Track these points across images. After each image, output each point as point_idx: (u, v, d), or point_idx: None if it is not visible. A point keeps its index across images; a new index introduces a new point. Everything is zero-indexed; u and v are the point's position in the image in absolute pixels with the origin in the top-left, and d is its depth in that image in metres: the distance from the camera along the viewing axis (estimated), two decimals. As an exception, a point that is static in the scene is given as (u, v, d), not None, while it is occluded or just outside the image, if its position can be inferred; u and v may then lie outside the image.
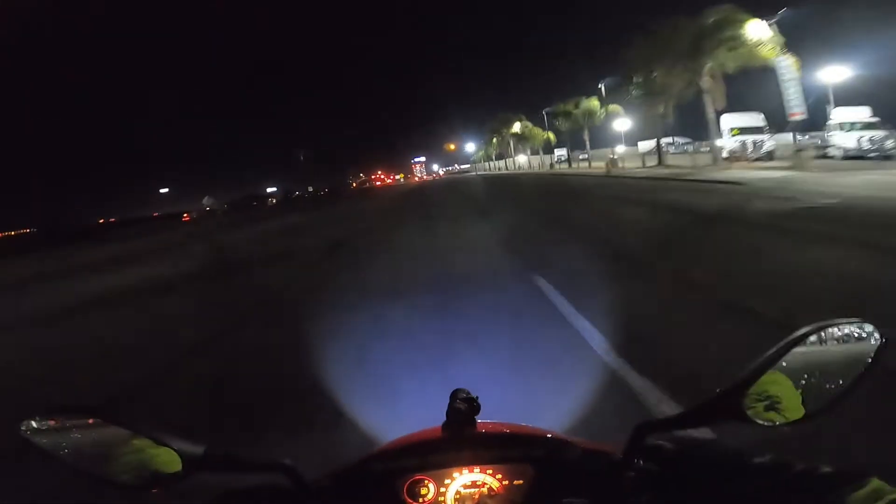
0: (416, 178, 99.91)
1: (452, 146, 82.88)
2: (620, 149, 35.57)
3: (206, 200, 71.17)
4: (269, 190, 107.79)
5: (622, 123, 28.16)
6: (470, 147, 77.64)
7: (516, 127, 40.92)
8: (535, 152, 42.43)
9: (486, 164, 66.28)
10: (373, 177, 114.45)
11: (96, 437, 0.41)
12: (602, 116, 27.88)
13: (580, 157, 35.86)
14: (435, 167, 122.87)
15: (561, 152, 39.19)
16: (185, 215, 64.10)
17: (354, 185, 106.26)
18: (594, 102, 27.75)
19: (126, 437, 0.40)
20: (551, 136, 34.41)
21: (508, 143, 45.62)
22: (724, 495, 0.38)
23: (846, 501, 0.31)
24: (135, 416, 0.41)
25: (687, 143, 26.48)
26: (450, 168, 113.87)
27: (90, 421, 0.40)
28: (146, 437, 0.40)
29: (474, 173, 64.30)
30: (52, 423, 0.41)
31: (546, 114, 35.03)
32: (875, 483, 0.31)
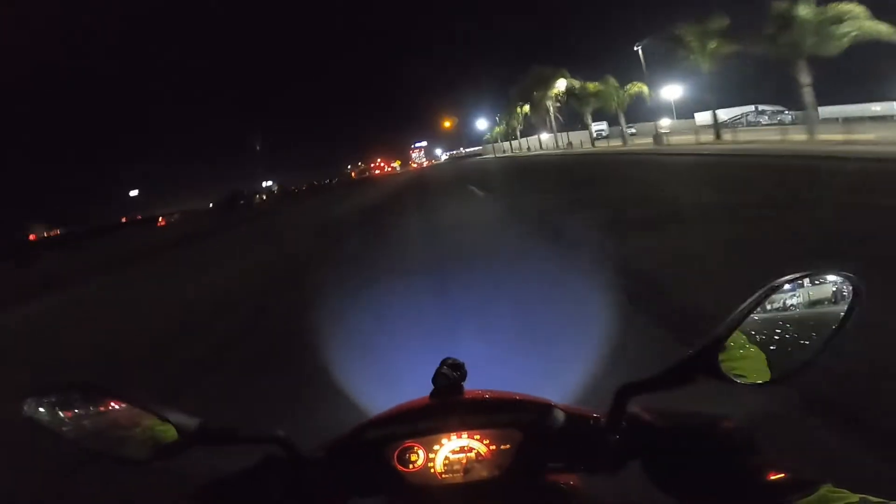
0: (415, 165, 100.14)
1: (448, 123, 77.13)
2: (665, 122, 34.27)
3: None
4: (265, 184, 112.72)
5: (671, 91, 26.73)
6: (481, 124, 71.85)
7: (560, 85, 32.41)
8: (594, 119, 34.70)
9: (503, 144, 60.59)
10: (372, 165, 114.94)
11: (96, 412, 0.48)
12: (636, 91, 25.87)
13: (630, 130, 32.23)
14: (438, 151, 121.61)
15: (600, 126, 36.26)
16: (160, 219, 66.22)
17: (354, 174, 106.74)
18: (590, 85, 26.91)
19: (125, 411, 0.48)
20: (643, 88, 25.85)
21: (547, 111, 35.97)
22: (689, 478, 0.44)
23: None
24: (131, 389, 0.48)
25: (779, 112, 23.49)
26: (454, 152, 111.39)
27: (87, 395, 0.48)
28: (144, 410, 0.47)
29: (491, 156, 58.93)
30: (52, 400, 0.48)
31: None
32: (827, 489, 0.36)
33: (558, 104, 34.81)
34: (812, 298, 0.45)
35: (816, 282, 0.45)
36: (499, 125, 57.82)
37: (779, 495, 0.38)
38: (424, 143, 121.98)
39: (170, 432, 0.47)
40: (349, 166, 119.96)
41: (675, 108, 33.51)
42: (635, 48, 24.63)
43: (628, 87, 26.49)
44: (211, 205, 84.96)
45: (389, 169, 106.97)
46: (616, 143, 29.33)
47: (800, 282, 0.44)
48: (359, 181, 72.69)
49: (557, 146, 39.52)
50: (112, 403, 0.48)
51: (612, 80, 27.09)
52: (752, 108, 25.09)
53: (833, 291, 0.44)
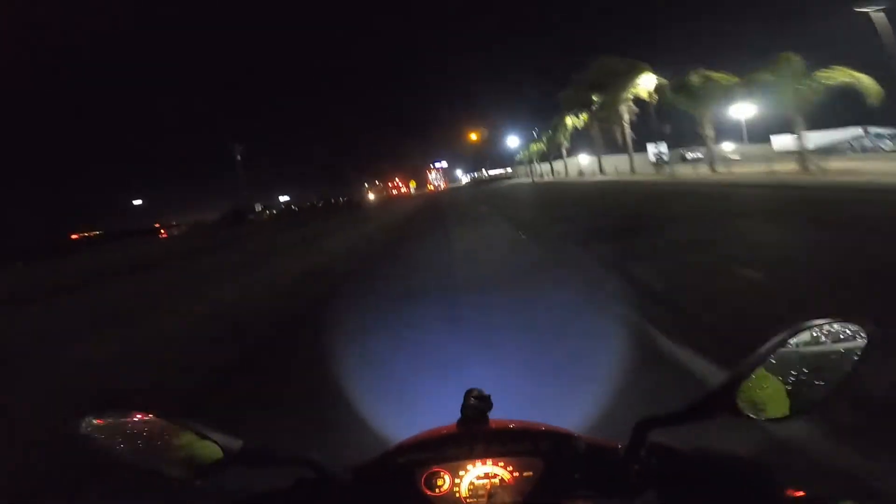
0: (432, 188, 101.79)
1: (475, 135, 65.78)
2: (728, 146, 31.06)
3: None
4: (281, 199, 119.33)
5: (740, 110, 22.91)
6: (512, 142, 64.64)
7: (646, 82, 24.77)
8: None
9: (539, 167, 54.81)
10: (390, 184, 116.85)
11: (147, 432, 0.56)
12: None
13: (687, 155, 29.71)
14: (458, 173, 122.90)
15: (660, 150, 32.25)
16: (161, 231, 67.89)
17: (369, 194, 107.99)
18: (716, 75, 20.27)
19: (173, 430, 0.55)
20: (859, 77, 15.12)
21: (621, 118, 27.72)
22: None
23: None
24: (180, 412, 0.55)
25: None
26: (476, 174, 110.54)
27: (140, 417, 0.56)
28: (191, 431, 0.54)
29: (526, 180, 53.98)
30: (108, 420, 0.56)
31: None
32: None
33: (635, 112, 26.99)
34: (828, 343, 0.52)
35: (833, 328, 0.52)
36: (537, 141, 49.72)
37: None
38: (444, 164, 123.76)
39: (214, 452, 0.54)
40: (366, 184, 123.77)
41: (730, 131, 29.91)
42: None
43: (823, 72, 15.57)
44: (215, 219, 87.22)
45: (405, 190, 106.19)
46: (685, 171, 24.26)
47: (818, 327, 0.52)
48: (371, 205, 70.37)
49: (600, 171, 35.30)
50: (161, 422, 0.56)
51: (794, 59, 16.04)
52: (857, 130, 22.19)
53: (848, 337, 0.52)
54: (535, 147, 51.33)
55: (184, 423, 0.55)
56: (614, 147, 34.82)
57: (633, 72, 25.64)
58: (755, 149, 27.78)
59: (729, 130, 27.53)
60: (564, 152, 44.20)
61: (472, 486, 0.62)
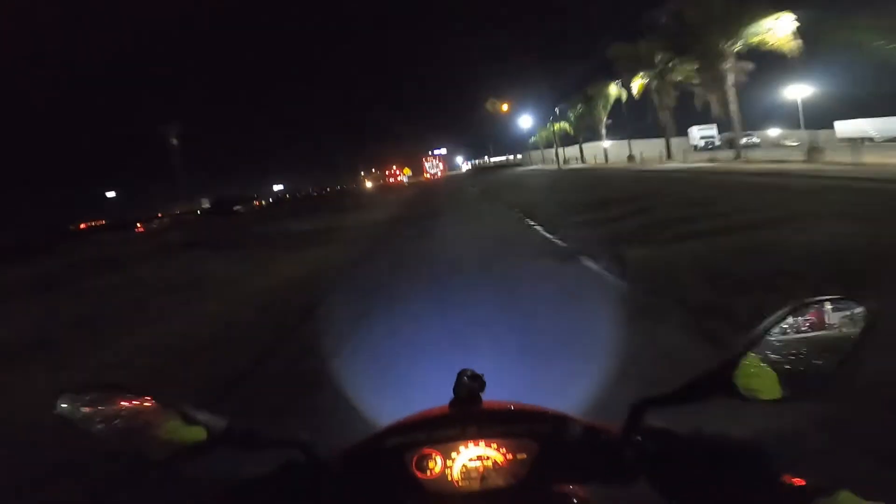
0: (428, 176, 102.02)
1: (505, 106, 50.34)
2: (775, 132, 28.77)
3: None
4: (275, 188, 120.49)
5: (796, 91, 20.78)
6: (525, 122, 58.06)
7: (783, 24, 18.97)
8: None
9: (559, 152, 46.69)
10: (387, 172, 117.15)
11: (126, 412, 0.59)
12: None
13: (743, 140, 23.65)
14: (459, 160, 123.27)
15: (708, 133, 28.67)
16: (138, 225, 68.17)
17: (368, 182, 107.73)
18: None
19: (155, 411, 0.58)
20: None
21: (723, 80, 21.38)
22: (702, 491, 0.54)
23: None
24: (162, 390, 0.57)
25: None
26: (479, 161, 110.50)
27: (120, 396, 0.59)
28: (174, 411, 0.57)
29: (539, 167, 49.08)
30: (85, 398, 0.59)
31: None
32: (845, 495, 0.44)
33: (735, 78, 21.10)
34: (828, 322, 0.54)
35: (833, 306, 0.54)
36: (562, 121, 43.82)
37: (797, 499, 0.47)
38: (444, 151, 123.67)
39: (198, 433, 0.57)
40: (362, 172, 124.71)
41: (783, 114, 27.55)
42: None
43: None
44: (199, 210, 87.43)
45: (395, 181, 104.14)
46: (732, 158, 20.75)
47: (817, 306, 0.54)
48: (366, 193, 68.76)
49: (668, 156, 27.71)
50: (142, 403, 0.59)
51: None
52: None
53: (849, 317, 0.54)
54: (558, 126, 46.05)
55: (166, 403, 0.58)
56: (642, 130, 31.77)
57: (754, 12, 19.46)
58: (808, 135, 23.51)
59: (776, 114, 26.07)
60: (604, 131, 38.86)
61: (464, 469, 0.65)
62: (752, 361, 0.54)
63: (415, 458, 0.66)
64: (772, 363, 0.54)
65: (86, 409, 0.59)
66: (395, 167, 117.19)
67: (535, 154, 65.90)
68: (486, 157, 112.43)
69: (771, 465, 0.51)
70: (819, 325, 0.54)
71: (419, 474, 0.65)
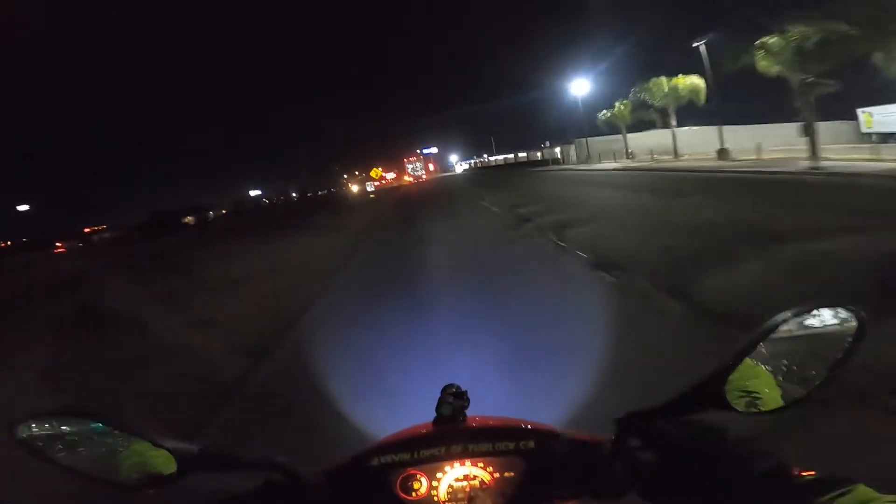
0: (410, 179, 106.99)
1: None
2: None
3: None
4: (251, 193, 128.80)
5: None
6: (580, 88, 46.29)
7: None
8: None
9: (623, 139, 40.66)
10: (377, 175, 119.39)
11: (92, 438, 0.68)
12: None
13: None
14: (453, 159, 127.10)
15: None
16: (58, 245, 68.15)
17: (352, 186, 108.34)
18: None
19: (121, 438, 0.67)
20: None
21: None
22: (708, 494, 0.61)
23: None
24: (129, 416, 0.65)
25: None
26: (478, 161, 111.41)
27: (83, 422, 0.67)
28: (141, 438, 0.66)
29: (611, 165, 37.72)
30: (47, 425, 0.68)
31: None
32: (861, 489, 0.50)
33: None
34: (818, 331, 0.65)
35: (822, 314, 0.65)
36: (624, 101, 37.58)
37: (810, 494, 0.52)
38: (434, 150, 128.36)
39: (167, 463, 0.66)
40: (345, 175, 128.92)
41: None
42: None
43: None
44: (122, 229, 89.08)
45: (376, 184, 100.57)
46: None
47: (808, 313, 0.64)
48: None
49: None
50: (109, 430, 0.67)
51: None
52: None
53: (838, 324, 0.65)
54: (623, 109, 39.00)
55: (131, 428, 0.67)
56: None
57: None
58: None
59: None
60: (672, 118, 33.55)
61: (450, 489, 0.75)
62: (749, 367, 0.64)
63: (399, 479, 0.76)
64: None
65: (47, 436, 0.68)
66: (380, 168, 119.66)
67: (573, 146, 53.54)
68: (484, 156, 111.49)
69: (775, 460, 0.59)
70: (811, 333, 0.64)
71: (404, 496, 0.75)
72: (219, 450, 0.69)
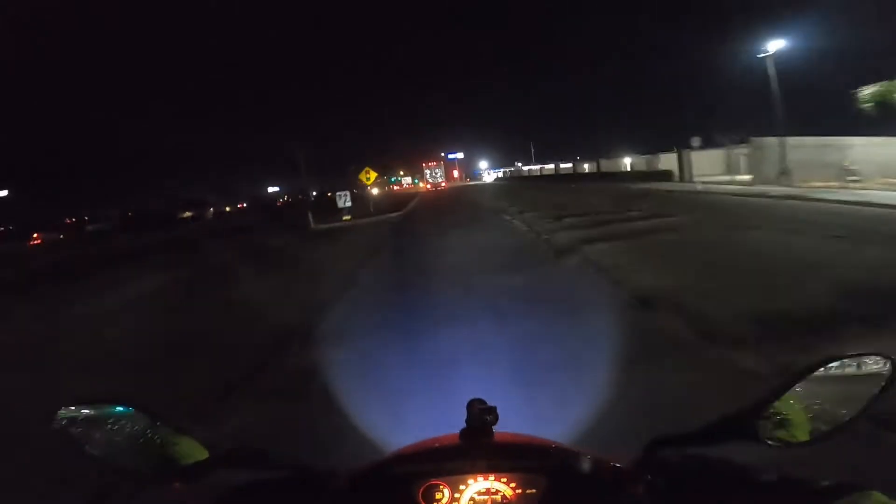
0: (428, 187, 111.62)
1: None
2: None
3: None
4: (270, 189, 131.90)
5: None
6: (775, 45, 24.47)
7: None
8: None
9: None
10: (368, 181, 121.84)
11: (127, 427, 0.77)
12: None
13: None
14: (483, 167, 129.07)
15: None
16: (35, 236, 69.86)
17: (374, 188, 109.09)
18: None
19: (156, 427, 0.77)
20: None
21: None
22: None
23: None
24: (165, 407, 0.72)
25: None
26: (510, 170, 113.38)
27: (121, 411, 0.77)
28: (175, 428, 0.76)
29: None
30: (84, 412, 0.78)
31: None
32: (876, 496, 0.61)
33: None
34: (853, 374, 0.80)
35: (857, 360, 0.81)
36: None
37: (825, 500, 0.63)
38: (460, 155, 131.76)
39: (200, 452, 0.75)
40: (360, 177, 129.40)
41: None
42: None
43: None
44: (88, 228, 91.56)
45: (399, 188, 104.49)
46: None
47: (844, 359, 0.80)
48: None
49: None
50: (142, 419, 0.76)
51: None
52: None
53: (873, 370, 0.80)
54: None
55: (167, 419, 0.76)
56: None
57: None
58: None
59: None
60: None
61: (472, 502, 0.85)
62: (784, 405, 0.78)
63: (422, 489, 0.85)
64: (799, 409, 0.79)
65: (85, 423, 0.77)
66: (402, 172, 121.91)
67: (685, 155, 36.66)
68: (518, 165, 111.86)
69: (788, 473, 0.71)
70: (848, 377, 0.79)
71: None
72: (249, 448, 0.79)
